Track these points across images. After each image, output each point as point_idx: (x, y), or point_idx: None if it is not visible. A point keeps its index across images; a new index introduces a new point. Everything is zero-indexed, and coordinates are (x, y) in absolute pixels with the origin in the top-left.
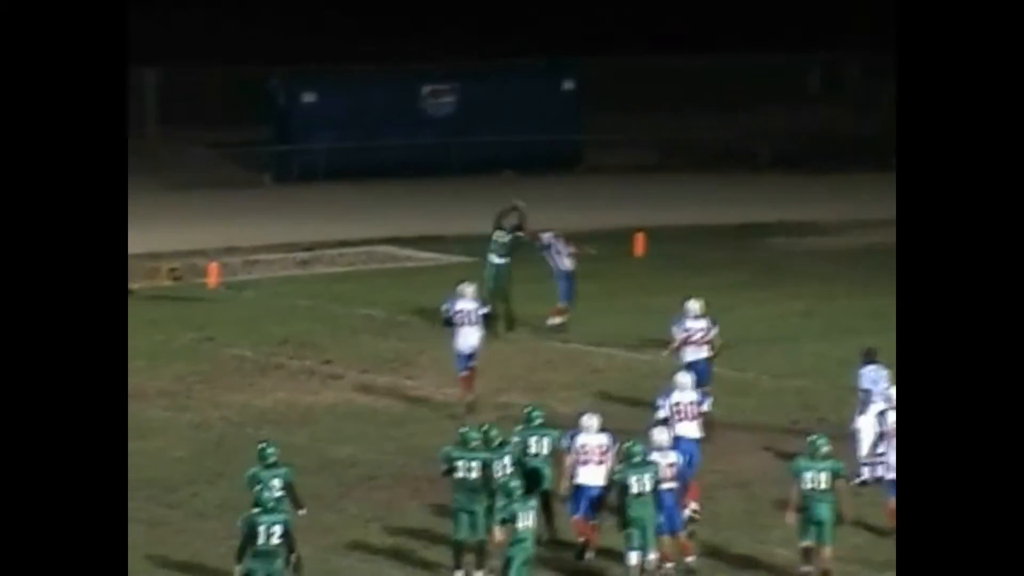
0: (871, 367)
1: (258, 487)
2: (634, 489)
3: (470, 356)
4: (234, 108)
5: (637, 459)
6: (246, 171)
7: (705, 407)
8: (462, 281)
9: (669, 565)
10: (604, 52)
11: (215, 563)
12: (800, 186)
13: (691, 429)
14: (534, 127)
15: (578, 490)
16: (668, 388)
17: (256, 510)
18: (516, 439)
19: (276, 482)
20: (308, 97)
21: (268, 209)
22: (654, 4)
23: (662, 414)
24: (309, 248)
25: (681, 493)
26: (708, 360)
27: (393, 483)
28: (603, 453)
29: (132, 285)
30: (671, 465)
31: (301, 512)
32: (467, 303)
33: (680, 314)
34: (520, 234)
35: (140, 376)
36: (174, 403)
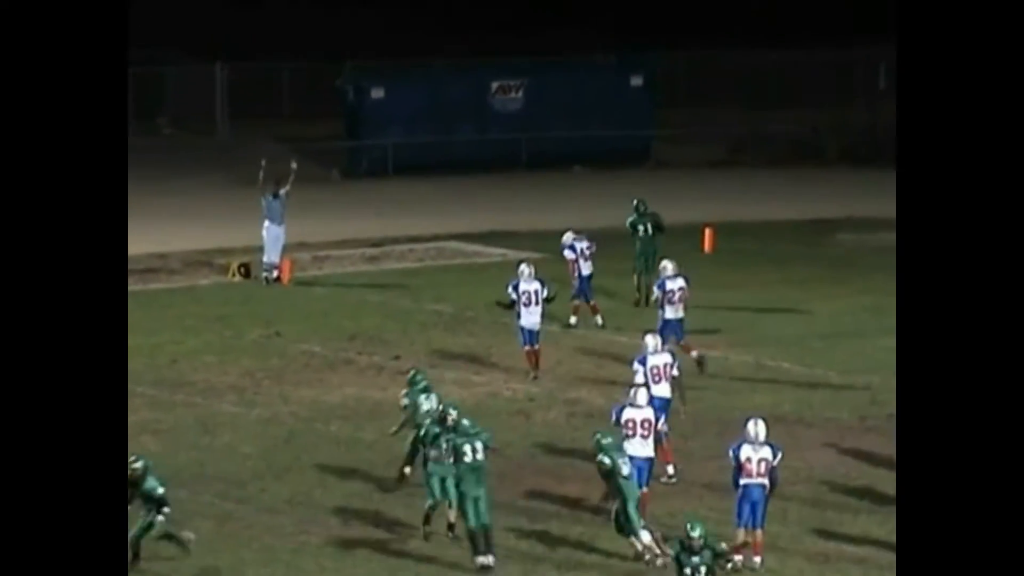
0: None
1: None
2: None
3: (532, 333)
4: (304, 103)
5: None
6: (316, 167)
7: (676, 371)
8: (522, 262)
9: (738, 558)
10: (673, 47)
11: (285, 557)
12: (870, 181)
13: (664, 390)
14: (603, 122)
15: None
16: (643, 351)
17: None
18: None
19: None
20: (377, 93)
21: (337, 205)
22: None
23: (639, 378)
24: (379, 244)
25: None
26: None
27: None
28: (650, 426)
29: (202, 281)
30: (762, 460)
31: None
32: (529, 283)
33: (659, 275)
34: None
35: (209, 372)
36: (243, 399)
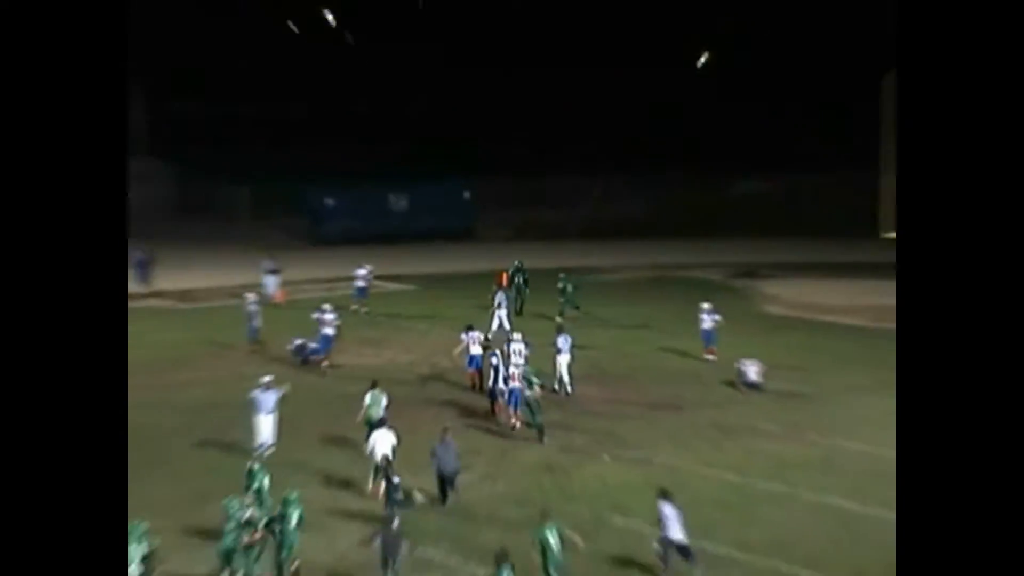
0: None
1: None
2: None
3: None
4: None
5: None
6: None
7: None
8: (325, 302)
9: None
10: (487, 174)
11: None
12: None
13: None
14: (449, 217)
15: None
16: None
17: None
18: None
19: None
20: (329, 200)
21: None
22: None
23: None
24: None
25: None
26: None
27: None
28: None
29: (217, 303)
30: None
31: None
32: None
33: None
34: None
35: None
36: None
